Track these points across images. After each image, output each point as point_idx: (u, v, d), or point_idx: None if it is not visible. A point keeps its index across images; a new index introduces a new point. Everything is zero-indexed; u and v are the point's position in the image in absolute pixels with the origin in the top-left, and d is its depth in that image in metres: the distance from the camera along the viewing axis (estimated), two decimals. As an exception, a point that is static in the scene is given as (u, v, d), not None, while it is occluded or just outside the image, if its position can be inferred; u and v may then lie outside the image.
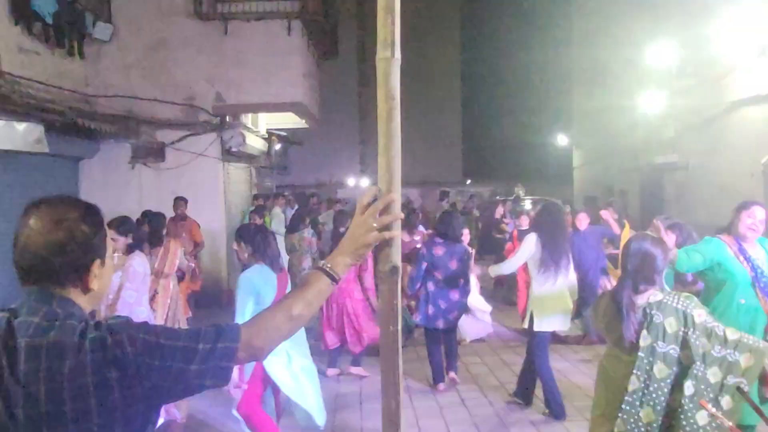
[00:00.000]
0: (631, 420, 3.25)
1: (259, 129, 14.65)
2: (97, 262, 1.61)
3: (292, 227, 10.60)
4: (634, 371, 3.26)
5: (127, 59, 11.63)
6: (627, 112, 14.18)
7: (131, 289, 5.54)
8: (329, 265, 1.74)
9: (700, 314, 3.25)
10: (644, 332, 3.27)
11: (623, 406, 3.27)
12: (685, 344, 3.22)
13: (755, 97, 8.84)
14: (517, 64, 32.79)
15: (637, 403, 3.25)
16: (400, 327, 1.81)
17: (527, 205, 21.05)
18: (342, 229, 7.98)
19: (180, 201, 10.10)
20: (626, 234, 9.95)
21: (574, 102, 21.20)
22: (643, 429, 3.25)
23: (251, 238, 4.91)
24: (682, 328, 3.22)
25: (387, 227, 1.74)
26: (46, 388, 1.45)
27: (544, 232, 5.89)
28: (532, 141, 28.42)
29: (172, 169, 11.70)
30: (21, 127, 8.40)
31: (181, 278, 7.55)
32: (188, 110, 11.79)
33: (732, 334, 3.22)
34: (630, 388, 3.26)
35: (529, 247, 5.89)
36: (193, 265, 7.57)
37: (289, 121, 15.09)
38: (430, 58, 30.22)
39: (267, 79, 11.77)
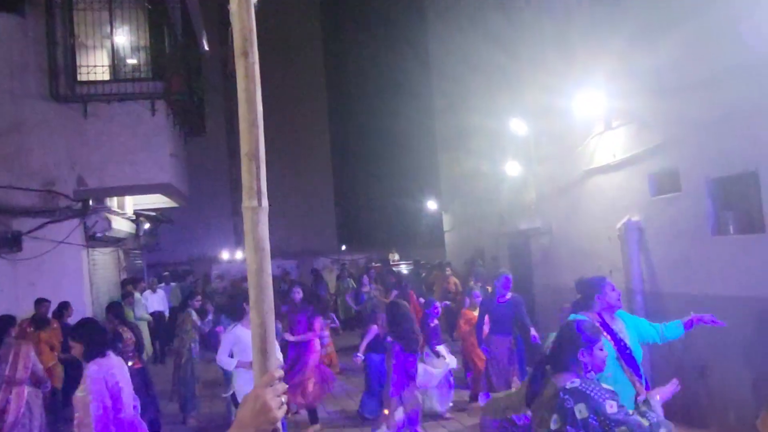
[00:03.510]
0: None
1: (126, 211, 14.08)
2: None
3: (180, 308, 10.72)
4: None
5: (-25, 145, 10.91)
6: (491, 178, 14.86)
7: (96, 401, 4.68)
8: None
9: (611, 405, 3.27)
10: (555, 416, 3.32)
11: None
12: (592, 430, 3.24)
13: (605, 167, 9.50)
14: (385, 131, 33.73)
15: None
16: None
17: (403, 269, 21.46)
18: None
19: (42, 303, 9.49)
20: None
21: (440, 167, 21.99)
22: None
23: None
24: (591, 416, 3.24)
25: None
26: None
27: None
28: (404, 206, 29.14)
29: (30, 260, 10.93)
30: None
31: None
32: (47, 196, 11.14)
33: None
34: None
35: None
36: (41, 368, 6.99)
37: (158, 201, 14.63)
38: (298, 129, 30.51)
39: (132, 162, 11.39)
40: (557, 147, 11.05)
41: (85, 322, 5.18)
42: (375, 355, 8.79)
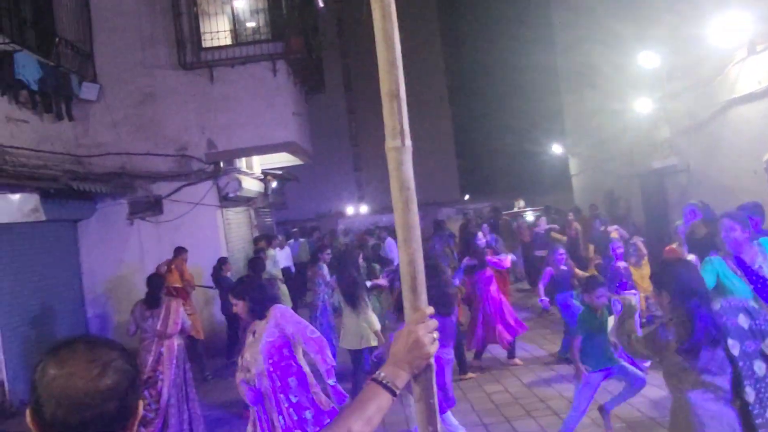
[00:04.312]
0: None
1: (254, 171, 14.60)
2: (141, 403, 1.46)
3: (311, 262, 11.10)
4: (745, 382, 3.25)
5: (116, 116, 11.61)
6: (619, 116, 14.12)
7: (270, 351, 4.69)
8: (389, 379, 1.63)
9: (752, 301, 3.44)
10: (729, 341, 3.28)
11: (756, 420, 3.24)
12: (761, 334, 3.32)
13: (749, 95, 8.78)
14: (504, 74, 32.85)
15: (763, 410, 3.27)
16: None
17: (529, 216, 21.03)
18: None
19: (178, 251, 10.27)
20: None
21: (565, 109, 21.18)
22: None
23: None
24: (753, 322, 3.33)
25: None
26: None
27: None
28: (527, 151, 28.36)
29: (170, 221, 11.63)
30: (16, 198, 8.36)
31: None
32: (181, 161, 11.75)
33: None
34: (749, 399, 3.26)
35: None
36: (189, 323, 7.43)
37: (283, 159, 15.06)
38: (415, 78, 30.29)
39: (257, 122, 11.75)
40: (692, 79, 10.30)
41: (245, 280, 5.25)
42: (560, 296, 8.69)
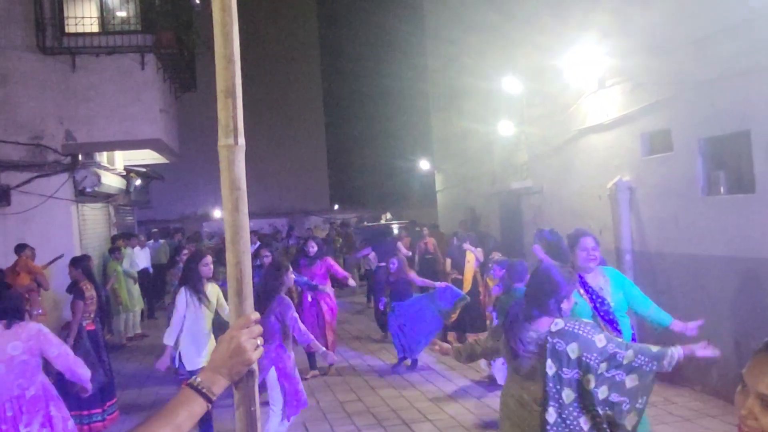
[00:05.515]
0: None
1: (116, 166, 14.00)
2: None
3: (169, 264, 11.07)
4: (550, 403, 3.33)
5: (-38, 97, 10.78)
6: (483, 138, 14.77)
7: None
8: (204, 385, 1.56)
9: (600, 339, 3.37)
10: (549, 361, 3.35)
11: None
12: (586, 368, 3.34)
13: (597, 126, 9.45)
14: (378, 90, 33.40)
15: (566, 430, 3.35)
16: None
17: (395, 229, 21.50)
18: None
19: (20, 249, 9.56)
20: (470, 260, 10.63)
21: (433, 127, 21.84)
22: None
23: None
24: (585, 354, 3.32)
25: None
26: None
27: None
28: (397, 166, 28.96)
29: (19, 214, 10.91)
30: None
31: None
32: (35, 150, 11.07)
33: (627, 360, 3.39)
34: (550, 420, 3.34)
35: None
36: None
37: (148, 156, 14.53)
38: (291, 87, 30.19)
39: (121, 116, 11.29)
40: (550, 107, 10.97)
41: None
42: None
